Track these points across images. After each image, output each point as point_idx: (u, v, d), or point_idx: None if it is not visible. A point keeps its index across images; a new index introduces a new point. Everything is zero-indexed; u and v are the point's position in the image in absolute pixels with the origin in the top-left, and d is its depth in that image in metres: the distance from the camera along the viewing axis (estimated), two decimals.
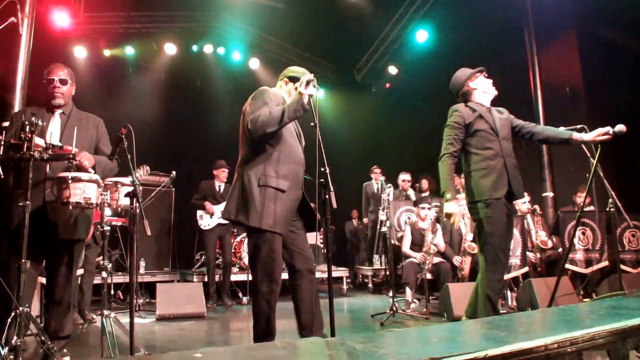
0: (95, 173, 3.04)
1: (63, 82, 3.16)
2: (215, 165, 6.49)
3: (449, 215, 3.31)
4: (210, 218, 6.25)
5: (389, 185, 6.33)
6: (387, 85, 10.64)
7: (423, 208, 5.97)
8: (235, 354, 1.79)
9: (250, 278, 6.80)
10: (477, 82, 3.59)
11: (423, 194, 7.65)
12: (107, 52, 8.72)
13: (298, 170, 2.91)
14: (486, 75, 3.63)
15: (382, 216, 7.22)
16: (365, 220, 8.40)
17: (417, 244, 5.86)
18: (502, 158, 3.38)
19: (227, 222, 6.26)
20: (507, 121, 3.57)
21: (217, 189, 6.43)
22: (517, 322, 2.25)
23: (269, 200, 2.76)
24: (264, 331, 2.75)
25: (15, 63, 4.47)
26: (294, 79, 3.06)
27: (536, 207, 6.20)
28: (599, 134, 3.34)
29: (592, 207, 6.10)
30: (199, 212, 6.33)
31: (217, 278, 6.27)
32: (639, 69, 6.67)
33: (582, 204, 6.12)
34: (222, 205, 6.28)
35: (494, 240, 3.28)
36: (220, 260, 6.57)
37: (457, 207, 3.32)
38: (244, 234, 7.20)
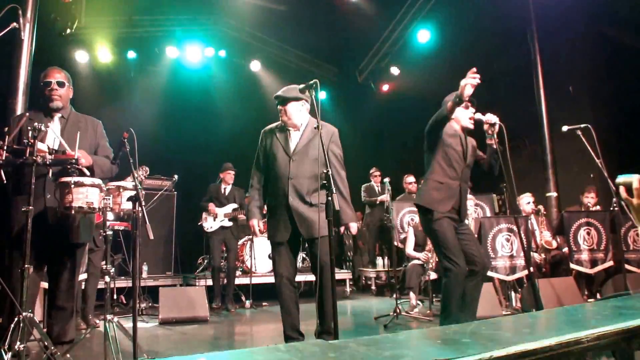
0: (93, 173, 3.05)
1: (60, 84, 3.15)
2: (222, 167, 6.48)
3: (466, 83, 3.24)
4: (213, 220, 6.23)
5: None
6: (386, 87, 10.61)
7: None
8: (239, 358, 1.78)
9: (253, 281, 6.79)
10: (454, 112, 3.64)
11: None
12: (108, 56, 8.74)
13: (283, 185, 3.33)
14: (465, 106, 3.63)
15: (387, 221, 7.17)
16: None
17: (421, 244, 5.83)
18: (459, 182, 3.58)
19: (230, 225, 6.29)
20: (474, 151, 3.75)
21: (223, 191, 6.41)
22: (521, 323, 2.23)
23: (269, 215, 3.46)
24: (283, 319, 3.32)
25: (17, 68, 4.49)
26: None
27: (540, 207, 6.17)
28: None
29: (597, 207, 6.08)
30: (204, 215, 6.32)
31: (220, 282, 6.25)
32: None
33: (588, 203, 6.12)
34: (226, 208, 6.28)
35: (447, 250, 3.42)
36: (224, 263, 6.55)
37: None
38: (246, 237, 7.19)
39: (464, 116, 3.64)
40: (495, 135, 3.54)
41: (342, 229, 3.50)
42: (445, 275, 3.43)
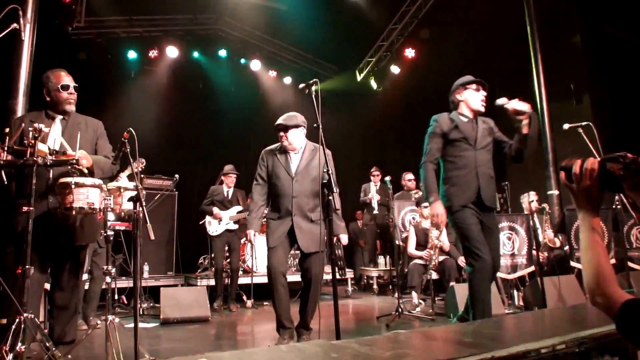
0: (93, 174, 3.05)
1: (76, 89, 3.20)
2: (223, 169, 6.40)
3: (436, 215, 3.37)
4: (218, 224, 6.18)
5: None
6: (386, 86, 10.61)
7: (426, 207, 5.94)
8: (240, 358, 1.78)
9: (254, 281, 6.79)
10: (465, 94, 3.59)
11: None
12: (109, 57, 8.73)
13: (287, 203, 3.66)
14: (477, 88, 3.56)
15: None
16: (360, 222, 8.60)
17: (422, 244, 5.82)
18: (475, 168, 3.44)
19: (235, 227, 6.27)
20: (490, 132, 3.60)
21: (226, 194, 6.32)
22: (524, 322, 2.23)
23: (268, 227, 3.74)
24: (277, 310, 3.67)
25: (18, 68, 4.48)
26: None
27: (544, 205, 6.12)
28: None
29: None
30: (207, 218, 6.24)
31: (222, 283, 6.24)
32: None
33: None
34: (230, 211, 6.24)
35: (469, 242, 3.36)
36: (227, 264, 6.53)
37: (442, 208, 3.40)
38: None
39: (475, 99, 3.54)
40: (523, 123, 3.32)
41: (333, 239, 3.52)
42: (467, 270, 3.37)
